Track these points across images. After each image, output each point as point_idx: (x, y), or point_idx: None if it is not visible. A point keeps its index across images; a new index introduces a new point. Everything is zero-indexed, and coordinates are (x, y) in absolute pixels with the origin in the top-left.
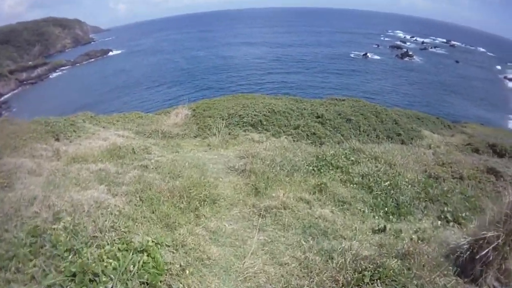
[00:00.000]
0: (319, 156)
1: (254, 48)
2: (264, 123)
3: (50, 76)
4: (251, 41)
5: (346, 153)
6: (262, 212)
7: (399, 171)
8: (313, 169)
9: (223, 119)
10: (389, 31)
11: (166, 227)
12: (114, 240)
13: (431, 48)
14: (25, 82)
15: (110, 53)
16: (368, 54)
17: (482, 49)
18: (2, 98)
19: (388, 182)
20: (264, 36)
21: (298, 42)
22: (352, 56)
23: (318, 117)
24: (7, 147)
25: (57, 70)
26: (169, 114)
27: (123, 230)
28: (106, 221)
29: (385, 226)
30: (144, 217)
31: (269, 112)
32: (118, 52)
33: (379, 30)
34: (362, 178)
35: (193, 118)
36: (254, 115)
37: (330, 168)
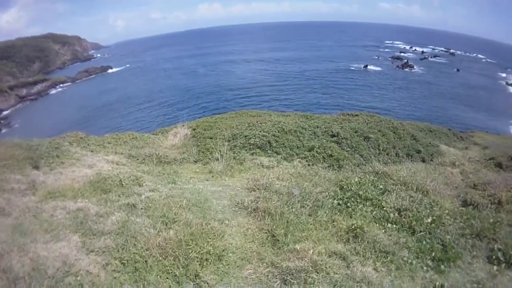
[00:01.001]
0: (343, 186)
1: (254, 64)
2: (274, 144)
3: (50, 93)
4: (250, 57)
5: (372, 180)
6: (285, 277)
7: (435, 199)
8: (339, 204)
9: (226, 141)
10: (388, 42)
11: None
12: None
13: (431, 57)
14: (25, 98)
15: (110, 70)
16: (368, 66)
17: (481, 56)
18: (2, 114)
19: (431, 218)
20: (262, 52)
21: (296, 57)
22: (353, 68)
23: (333, 135)
24: None
25: (57, 87)
26: (167, 134)
27: None
28: None
29: (442, 286)
30: None
31: (278, 131)
32: (118, 69)
33: (378, 41)
34: (399, 214)
35: (193, 138)
36: (262, 135)
37: (359, 200)
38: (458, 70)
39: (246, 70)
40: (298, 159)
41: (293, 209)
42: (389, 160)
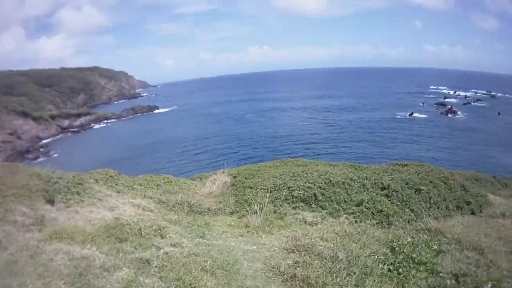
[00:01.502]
0: (394, 247)
1: (301, 112)
2: (320, 198)
3: (94, 127)
4: (297, 105)
5: (426, 239)
6: None
7: (492, 259)
8: (390, 269)
9: (268, 192)
10: (433, 87)
11: None
12: None
13: (473, 102)
14: (67, 129)
15: (157, 111)
16: (414, 114)
17: None
18: (42, 142)
19: (490, 284)
20: (309, 100)
21: (343, 105)
22: (399, 117)
23: (383, 188)
24: None
25: (101, 122)
26: (205, 180)
27: None
28: None
29: None
30: None
31: (325, 183)
32: (165, 110)
33: (423, 87)
34: (457, 281)
35: (232, 187)
36: (307, 187)
37: (411, 265)
38: (499, 113)
39: (293, 117)
40: (345, 215)
41: (338, 279)
42: (440, 214)
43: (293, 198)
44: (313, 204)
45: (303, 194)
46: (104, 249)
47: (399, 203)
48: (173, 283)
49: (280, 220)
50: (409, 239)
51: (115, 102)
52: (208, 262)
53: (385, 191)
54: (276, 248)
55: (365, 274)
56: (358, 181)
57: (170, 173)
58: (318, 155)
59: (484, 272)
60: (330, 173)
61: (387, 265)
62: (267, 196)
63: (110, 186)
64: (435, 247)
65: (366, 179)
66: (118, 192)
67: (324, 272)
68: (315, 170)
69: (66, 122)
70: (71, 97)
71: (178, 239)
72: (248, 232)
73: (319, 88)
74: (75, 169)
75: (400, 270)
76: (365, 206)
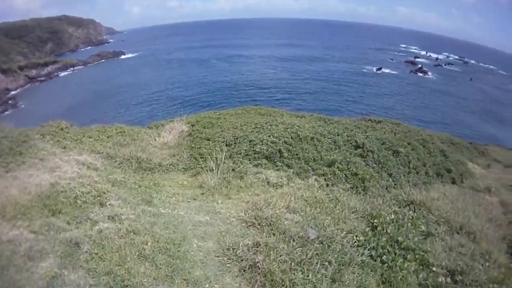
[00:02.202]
0: (376, 225)
1: (268, 60)
2: (285, 155)
3: (60, 75)
4: (265, 53)
5: (412, 217)
6: None
7: (487, 250)
8: (372, 256)
9: (226, 145)
10: (403, 46)
11: None
12: None
13: (444, 64)
14: (34, 79)
15: (123, 56)
16: (382, 69)
17: (493, 67)
18: (10, 94)
19: (492, 285)
20: (277, 48)
21: (310, 56)
22: (365, 71)
23: (357, 147)
24: None
25: (68, 69)
26: (162, 128)
27: None
28: None
29: None
30: None
31: (291, 138)
32: (131, 55)
33: (393, 45)
34: (452, 279)
35: (189, 137)
36: (271, 142)
37: (397, 251)
38: (471, 79)
39: (259, 65)
40: (315, 177)
41: (310, 274)
42: (419, 181)
43: (255, 153)
44: (278, 162)
45: (267, 150)
46: (35, 226)
47: (375, 166)
48: (102, 279)
49: (239, 180)
50: (393, 216)
51: (82, 49)
52: (149, 244)
53: (360, 150)
54: (234, 219)
55: (342, 264)
56: (329, 136)
57: (129, 120)
58: (281, 101)
59: (480, 266)
60: (297, 126)
61: (368, 250)
62: (225, 150)
63: (57, 141)
64: (423, 227)
65: (338, 135)
66: (64, 148)
67: (292, 264)
68: (281, 122)
69: (33, 72)
70: (39, 46)
71: (118, 208)
72: (202, 194)
73: (287, 38)
74: (39, 119)
75: (384, 257)
76: (337, 167)
